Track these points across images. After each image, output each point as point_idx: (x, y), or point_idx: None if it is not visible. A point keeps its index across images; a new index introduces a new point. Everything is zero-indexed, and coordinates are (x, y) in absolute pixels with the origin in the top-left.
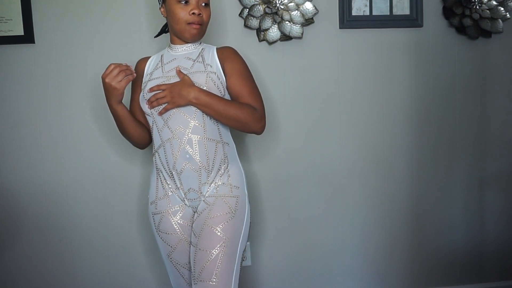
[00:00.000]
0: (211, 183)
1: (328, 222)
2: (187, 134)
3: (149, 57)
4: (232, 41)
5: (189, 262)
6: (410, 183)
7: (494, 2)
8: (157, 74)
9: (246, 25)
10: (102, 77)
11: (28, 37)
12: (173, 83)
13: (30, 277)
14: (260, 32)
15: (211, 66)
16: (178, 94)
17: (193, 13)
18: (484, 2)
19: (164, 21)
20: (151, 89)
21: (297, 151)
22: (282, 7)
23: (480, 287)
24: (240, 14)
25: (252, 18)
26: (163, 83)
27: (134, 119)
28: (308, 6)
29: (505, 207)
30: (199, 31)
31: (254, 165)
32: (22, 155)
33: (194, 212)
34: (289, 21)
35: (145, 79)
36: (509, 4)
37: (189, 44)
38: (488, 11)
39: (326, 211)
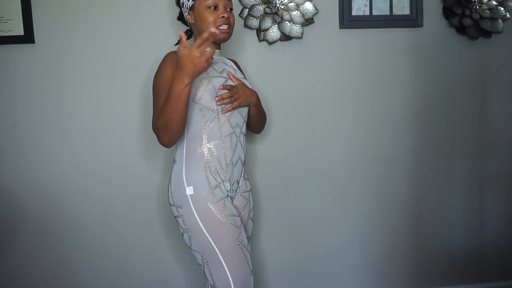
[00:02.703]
0: (242, 176)
1: (328, 222)
2: (241, 130)
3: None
4: (232, 41)
5: (248, 245)
6: (410, 183)
7: (494, 2)
8: (212, 73)
9: (246, 25)
10: (194, 55)
11: (28, 37)
12: (236, 85)
13: (30, 277)
14: (260, 32)
15: (243, 75)
16: (245, 95)
17: (223, 17)
18: (484, 2)
19: (169, 20)
20: (224, 87)
21: (297, 151)
22: (282, 7)
23: (480, 287)
24: (240, 14)
25: (252, 18)
26: (226, 83)
27: None
28: (308, 6)
29: (505, 207)
30: (228, 34)
31: (254, 164)
32: (22, 155)
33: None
34: (289, 21)
35: (200, 75)
36: (509, 4)
37: (218, 51)
38: (488, 11)
39: (326, 211)
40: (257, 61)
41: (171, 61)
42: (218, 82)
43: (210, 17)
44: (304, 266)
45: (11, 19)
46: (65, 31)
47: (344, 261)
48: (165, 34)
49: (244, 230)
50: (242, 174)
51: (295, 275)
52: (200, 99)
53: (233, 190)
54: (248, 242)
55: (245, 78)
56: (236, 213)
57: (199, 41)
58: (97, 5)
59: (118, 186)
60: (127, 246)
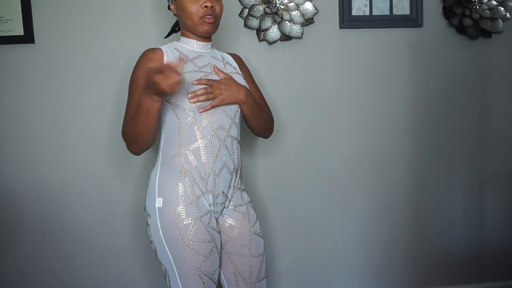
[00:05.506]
0: (233, 187)
1: (328, 222)
2: (227, 133)
3: (157, 48)
4: (232, 41)
5: (216, 271)
6: (410, 183)
7: (494, 2)
8: (189, 67)
9: (246, 25)
10: (157, 82)
11: (28, 37)
12: (220, 79)
13: (30, 277)
14: (260, 32)
15: (238, 70)
16: (230, 91)
17: (206, 6)
18: (484, 2)
19: (169, 20)
20: (200, 81)
21: (297, 151)
22: (282, 7)
23: (480, 287)
24: (240, 14)
25: (252, 18)
26: (207, 77)
27: None
28: (308, 6)
29: (505, 207)
30: (213, 25)
31: (254, 165)
32: (22, 155)
33: (216, 219)
34: (289, 21)
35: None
36: (509, 4)
37: (206, 43)
38: (488, 11)
39: (326, 211)
40: (257, 61)
41: (146, 60)
42: (194, 77)
43: (192, 6)
44: (304, 266)
45: (11, 19)
46: (65, 31)
47: (344, 261)
48: (164, 34)
49: (248, 249)
50: (234, 185)
51: (295, 275)
52: (170, 97)
53: (217, 204)
54: (262, 261)
55: (239, 73)
56: (209, 238)
57: (174, 77)
58: (97, 5)
59: (118, 186)
60: (127, 246)
